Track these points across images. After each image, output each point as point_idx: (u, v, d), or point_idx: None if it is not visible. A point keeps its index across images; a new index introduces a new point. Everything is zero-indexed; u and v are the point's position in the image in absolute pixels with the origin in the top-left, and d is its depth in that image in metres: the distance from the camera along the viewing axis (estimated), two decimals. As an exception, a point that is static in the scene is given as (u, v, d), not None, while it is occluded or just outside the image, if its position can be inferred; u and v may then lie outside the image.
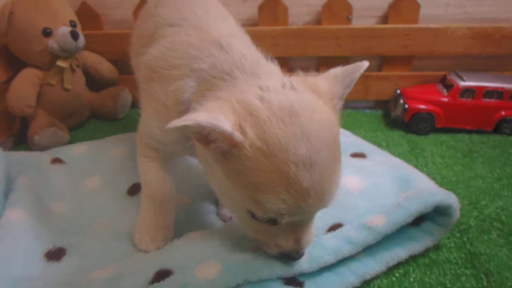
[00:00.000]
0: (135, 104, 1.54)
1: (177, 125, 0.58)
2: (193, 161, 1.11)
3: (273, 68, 0.75)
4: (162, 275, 0.73)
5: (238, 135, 0.61)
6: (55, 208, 0.98)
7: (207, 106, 0.65)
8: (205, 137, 0.63)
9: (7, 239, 0.85)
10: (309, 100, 0.65)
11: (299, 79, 0.71)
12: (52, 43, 1.30)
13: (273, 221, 0.67)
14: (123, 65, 1.56)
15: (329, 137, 0.64)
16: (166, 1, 0.96)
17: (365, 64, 0.72)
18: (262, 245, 0.74)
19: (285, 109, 0.62)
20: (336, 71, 0.71)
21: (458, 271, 0.80)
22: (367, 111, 1.50)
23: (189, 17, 0.86)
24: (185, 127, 0.59)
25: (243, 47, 0.76)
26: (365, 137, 1.22)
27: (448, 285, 0.77)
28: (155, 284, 0.71)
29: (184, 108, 0.74)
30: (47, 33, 1.30)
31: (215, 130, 0.60)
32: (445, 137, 1.27)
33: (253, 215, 0.67)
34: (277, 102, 0.62)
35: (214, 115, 0.60)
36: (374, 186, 0.91)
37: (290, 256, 0.72)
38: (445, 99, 1.27)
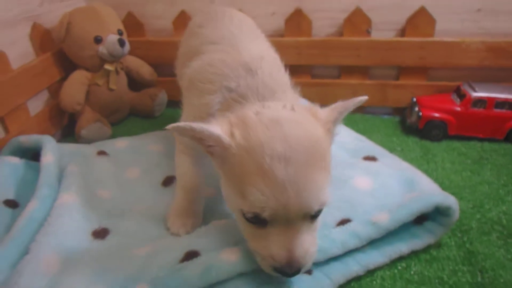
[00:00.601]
0: (170, 104, 1.62)
1: (173, 126, 0.66)
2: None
3: (288, 94, 0.81)
4: (191, 255, 0.80)
5: (225, 137, 0.68)
6: (100, 194, 1.06)
7: (211, 121, 0.72)
8: (202, 142, 0.70)
9: (64, 217, 0.92)
10: (300, 117, 0.70)
11: (303, 105, 0.76)
12: (102, 49, 1.40)
13: (262, 222, 0.69)
14: (161, 69, 1.65)
15: (309, 145, 0.67)
16: (208, 21, 1.02)
17: (364, 98, 0.75)
18: (259, 259, 0.73)
19: (273, 120, 0.67)
20: (345, 105, 0.74)
21: (456, 267, 0.83)
22: (385, 117, 1.53)
23: (227, 35, 0.92)
24: (180, 129, 0.67)
25: (270, 71, 0.82)
26: (381, 142, 1.25)
27: (445, 279, 0.81)
28: (185, 262, 0.78)
29: (212, 115, 0.81)
30: (98, 40, 1.39)
31: (203, 133, 0.67)
32: (457, 144, 1.29)
33: (244, 216, 0.70)
34: (269, 115, 0.69)
35: (208, 123, 0.69)
36: (382, 186, 0.95)
37: (283, 271, 0.69)
38: (458, 108, 1.28)
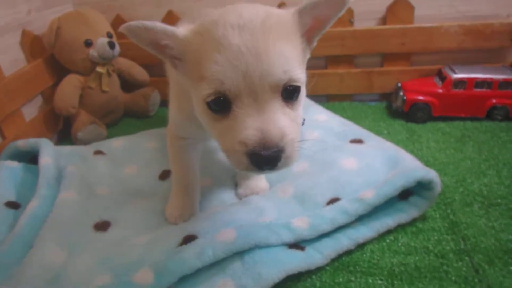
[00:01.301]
0: (164, 103, 1.64)
1: (124, 26, 0.65)
2: (213, 148, 1.23)
3: None
4: (189, 239, 0.85)
5: (179, 30, 0.66)
6: (99, 191, 1.10)
7: None
8: (163, 49, 0.68)
9: (66, 212, 0.97)
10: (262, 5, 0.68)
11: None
12: (92, 52, 1.43)
13: (226, 105, 0.65)
14: (152, 69, 1.69)
15: (266, 17, 0.64)
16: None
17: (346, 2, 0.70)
18: (231, 157, 0.66)
19: (230, 9, 0.66)
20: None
21: (440, 237, 0.89)
22: (372, 103, 1.59)
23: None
24: (133, 28, 0.64)
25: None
26: (369, 127, 1.31)
27: (431, 248, 0.87)
28: (183, 246, 0.83)
29: None
30: (88, 44, 1.43)
31: (156, 28, 0.65)
32: (441, 124, 1.35)
33: (209, 106, 0.66)
34: (228, 8, 0.67)
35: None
36: (367, 166, 1.01)
37: (258, 154, 0.61)
38: (440, 90, 1.35)
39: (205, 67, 0.63)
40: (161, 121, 1.57)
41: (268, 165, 0.63)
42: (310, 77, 0.76)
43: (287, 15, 0.68)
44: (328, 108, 1.43)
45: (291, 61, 0.64)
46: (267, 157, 0.62)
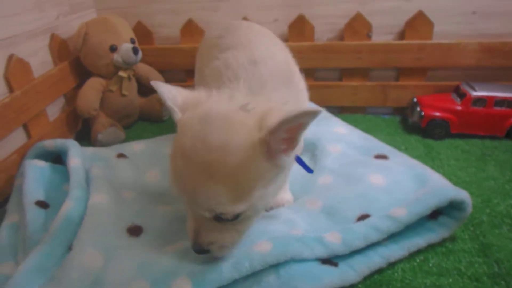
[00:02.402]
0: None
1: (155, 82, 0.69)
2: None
3: (276, 94, 0.74)
4: None
5: (177, 112, 0.68)
6: (125, 195, 1.04)
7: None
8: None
9: (100, 215, 0.91)
10: (236, 120, 0.63)
11: (264, 107, 0.65)
12: (116, 57, 1.38)
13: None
14: (169, 75, 1.65)
15: (216, 154, 0.61)
16: (227, 32, 0.98)
17: (317, 111, 0.58)
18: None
19: (205, 114, 0.63)
20: (288, 115, 0.58)
21: (472, 259, 0.82)
22: (385, 116, 1.52)
23: (244, 41, 0.89)
24: (153, 85, 0.69)
25: (273, 69, 0.78)
26: (384, 141, 1.23)
27: (463, 270, 0.80)
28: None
29: None
30: (113, 49, 1.38)
31: (162, 97, 0.68)
32: (459, 142, 1.28)
33: None
34: (211, 107, 0.65)
35: (179, 92, 0.69)
36: (394, 182, 0.94)
37: (193, 249, 0.71)
38: (459, 107, 1.28)
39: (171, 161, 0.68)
40: (174, 126, 1.51)
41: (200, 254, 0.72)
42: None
43: (253, 139, 0.62)
44: (341, 120, 1.35)
45: (220, 199, 0.63)
46: (198, 251, 0.72)
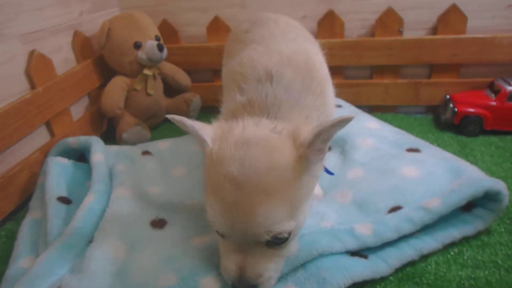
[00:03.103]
0: (204, 109, 1.67)
1: (170, 116, 0.70)
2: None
3: (294, 112, 0.77)
4: None
5: (208, 143, 0.69)
6: (151, 190, 1.09)
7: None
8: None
9: (123, 207, 0.97)
10: (274, 142, 0.67)
11: (291, 127, 0.70)
12: (141, 54, 1.45)
13: (221, 235, 0.71)
14: (195, 75, 1.71)
15: (267, 173, 0.64)
16: (254, 26, 1.03)
17: (349, 118, 0.63)
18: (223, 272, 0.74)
19: (243, 140, 0.67)
20: (323, 127, 0.64)
21: (509, 252, 0.85)
22: (418, 115, 1.55)
23: (266, 35, 0.93)
24: (176, 121, 0.69)
25: (288, 82, 0.79)
26: (417, 138, 1.28)
27: (500, 262, 0.83)
28: None
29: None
30: (137, 46, 1.45)
31: (192, 131, 0.69)
32: (494, 138, 1.31)
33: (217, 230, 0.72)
34: (245, 134, 0.68)
35: (203, 125, 0.71)
36: (429, 174, 0.97)
37: (233, 284, 0.71)
38: (493, 103, 1.31)
39: (207, 200, 0.68)
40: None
41: None
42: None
43: (295, 157, 0.67)
44: (372, 118, 1.40)
45: (277, 219, 0.66)
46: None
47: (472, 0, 1.39)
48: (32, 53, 1.20)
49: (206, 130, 0.70)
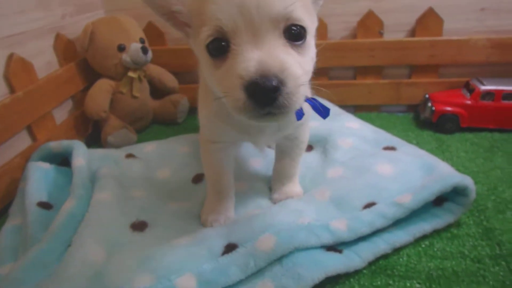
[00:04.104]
0: (192, 110, 1.71)
1: None
2: (248, 154, 1.29)
3: None
4: (230, 248, 0.88)
5: None
6: (134, 193, 1.13)
7: None
8: (174, 15, 0.73)
9: (102, 211, 1.01)
10: None
11: None
12: (125, 57, 1.49)
13: (224, 46, 0.66)
14: (182, 76, 1.75)
15: None
16: None
17: None
18: (229, 98, 0.66)
19: None
20: None
21: (475, 243, 0.93)
22: (400, 114, 1.65)
23: None
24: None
25: None
26: (398, 137, 1.34)
27: (466, 253, 0.91)
28: (225, 255, 0.85)
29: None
30: (121, 48, 1.49)
31: None
32: (469, 135, 1.40)
33: (209, 53, 0.68)
34: None
35: None
36: (403, 171, 1.05)
37: (256, 84, 0.61)
38: (468, 102, 1.41)
39: (204, 13, 0.65)
40: (189, 128, 1.63)
41: (267, 99, 0.61)
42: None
43: None
44: (355, 118, 1.48)
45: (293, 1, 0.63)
46: (265, 87, 0.60)
47: (448, 4, 1.49)
48: (10, 56, 1.20)
49: None
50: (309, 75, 0.72)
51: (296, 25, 0.66)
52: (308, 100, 0.81)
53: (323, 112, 0.82)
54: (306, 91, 0.68)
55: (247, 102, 0.63)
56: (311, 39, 0.73)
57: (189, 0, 0.71)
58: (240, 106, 0.64)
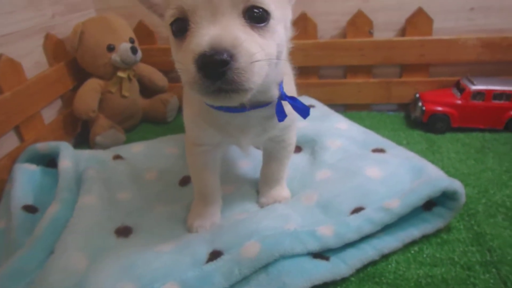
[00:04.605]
0: (182, 109, 1.66)
1: None
2: (235, 156, 1.24)
3: None
4: (215, 255, 0.84)
5: None
6: (120, 196, 1.09)
7: None
8: (155, 7, 0.74)
9: (86, 217, 0.96)
10: None
11: None
12: (115, 56, 1.45)
13: (184, 25, 0.66)
14: (172, 75, 1.71)
15: None
16: None
17: None
18: (183, 72, 0.65)
19: None
20: None
21: (466, 248, 0.88)
22: (390, 113, 1.59)
23: None
24: None
25: None
26: (388, 136, 1.30)
27: (456, 259, 0.86)
28: (209, 263, 0.81)
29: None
30: (111, 48, 1.45)
31: None
32: (460, 135, 1.35)
33: (173, 33, 0.68)
34: None
35: None
36: (391, 175, 1.00)
37: (205, 58, 0.59)
38: (459, 102, 1.35)
39: None
40: (179, 127, 1.56)
41: (216, 72, 0.60)
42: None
43: None
44: (346, 117, 1.43)
45: None
46: (212, 60, 0.59)
47: (437, 3, 1.43)
48: (-1, 57, 1.17)
49: None
50: (272, 57, 0.69)
51: (257, 7, 0.65)
52: (288, 98, 0.81)
53: (303, 112, 0.82)
54: (266, 71, 0.66)
55: (197, 75, 0.61)
56: (276, 24, 0.70)
57: None
58: (191, 80, 0.63)
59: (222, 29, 0.62)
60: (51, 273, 0.80)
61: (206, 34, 0.61)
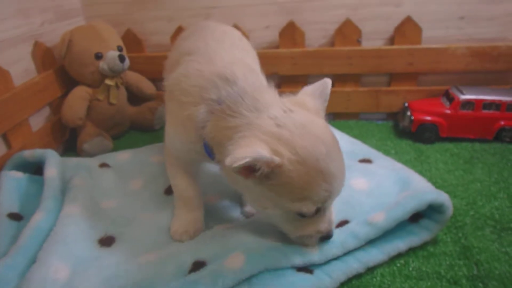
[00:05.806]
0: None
1: (239, 165, 0.66)
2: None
3: (269, 96, 0.79)
4: (198, 265, 0.81)
5: (277, 158, 0.69)
6: (104, 205, 1.07)
7: (240, 144, 0.71)
8: (247, 169, 0.69)
9: (70, 226, 0.93)
10: (307, 115, 0.78)
11: (291, 100, 0.82)
12: (102, 64, 1.42)
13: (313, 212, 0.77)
14: (160, 83, 1.66)
15: (331, 135, 0.77)
16: (191, 34, 1.03)
17: (329, 81, 0.88)
18: (306, 239, 0.82)
19: (297, 127, 0.73)
20: (311, 89, 0.86)
21: (452, 262, 0.85)
22: (379, 122, 1.55)
23: (202, 46, 0.92)
24: (243, 164, 0.66)
25: (243, 74, 0.80)
26: (376, 146, 1.28)
27: (443, 273, 0.82)
28: (192, 274, 0.79)
29: (201, 126, 0.81)
30: (98, 57, 1.42)
31: (260, 160, 0.67)
32: (449, 145, 1.31)
33: (301, 215, 0.76)
34: (290, 123, 0.73)
35: (254, 148, 0.68)
36: (377, 186, 0.97)
37: (328, 236, 0.82)
38: (448, 111, 1.31)
39: (311, 192, 0.73)
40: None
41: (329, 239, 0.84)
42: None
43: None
44: (334, 126, 1.39)
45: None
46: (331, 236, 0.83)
47: (427, 12, 1.40)
48: (-14, 65, 1.15)
49: (261, 152, 0.68)
50: None
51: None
52: None
53: None
54: None
55: (317, 244, 0.84)
56: None
57: (282, 168, 0.71)
58: (311, 243, 0.84)
59: (330, 216, 0.83)
60: (31, 283, 0.77)
61: (325, 221, 0.81)
